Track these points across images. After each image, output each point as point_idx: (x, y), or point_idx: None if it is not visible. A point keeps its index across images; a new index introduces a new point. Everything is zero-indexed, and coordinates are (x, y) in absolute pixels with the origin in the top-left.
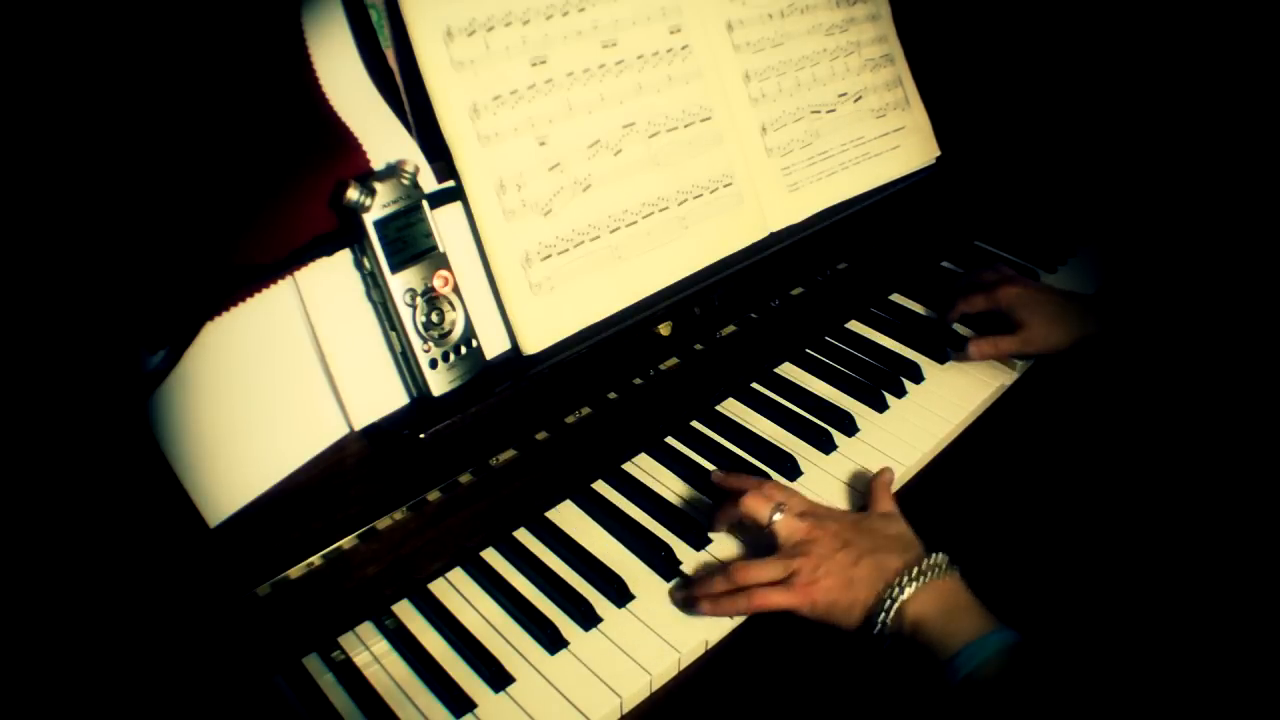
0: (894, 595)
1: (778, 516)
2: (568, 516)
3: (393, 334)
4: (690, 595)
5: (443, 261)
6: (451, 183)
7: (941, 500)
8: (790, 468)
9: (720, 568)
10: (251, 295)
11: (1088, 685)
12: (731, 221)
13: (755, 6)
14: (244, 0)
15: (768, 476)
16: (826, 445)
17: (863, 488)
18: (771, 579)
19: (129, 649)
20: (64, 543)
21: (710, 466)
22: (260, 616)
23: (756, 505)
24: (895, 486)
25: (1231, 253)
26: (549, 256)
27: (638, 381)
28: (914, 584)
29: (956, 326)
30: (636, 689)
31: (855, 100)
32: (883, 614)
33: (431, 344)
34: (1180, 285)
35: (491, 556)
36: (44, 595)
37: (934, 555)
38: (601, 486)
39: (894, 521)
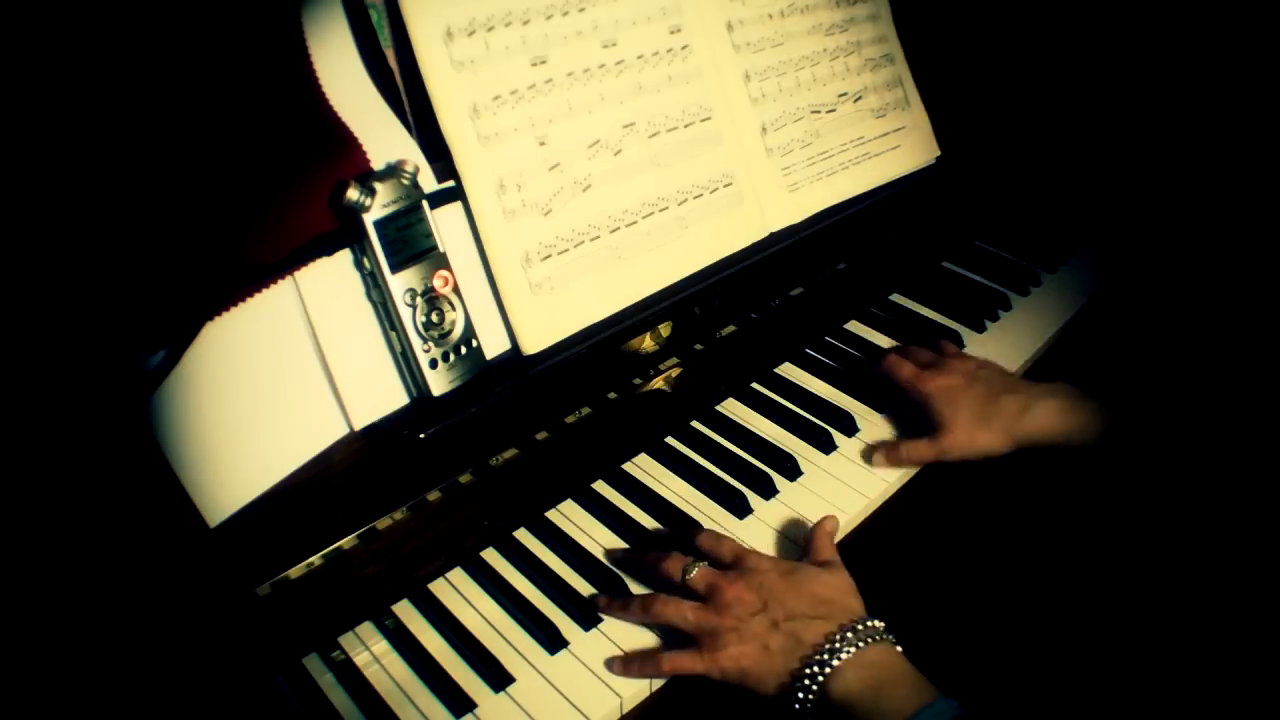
0: (815, 672)
1: (693, 572)
2: (568, 516)
3: (393, 334)
4: (609, 639)
5: (443, 261)
6: (451, 183)
7: (936, 508)
8: (790, 468)
9: (635, 600)
10: (251, 295)
11: None
12: (731, 221)
13: (755, 6)
14: (244, 0)
15: (768, 477)
16: (826, 445)
17: (863, 488)
18: (682, 622)
19: (130, 649)
20: (65, 543)
21: (710, 466)
22: (260, 616)
23: (670, 567)
24: (892, 491)
25: (1233, 255)
26: (549, 256)
27: (637, 381)
28: (843, 653)
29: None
30: (637, 689)
31: (855, 100)
32: (802, 691)
33: (431, 344)
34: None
35: (491, 556)
36: (45, 595)
37: (867, 622)
38: (601, 486)
39: (831, 575)
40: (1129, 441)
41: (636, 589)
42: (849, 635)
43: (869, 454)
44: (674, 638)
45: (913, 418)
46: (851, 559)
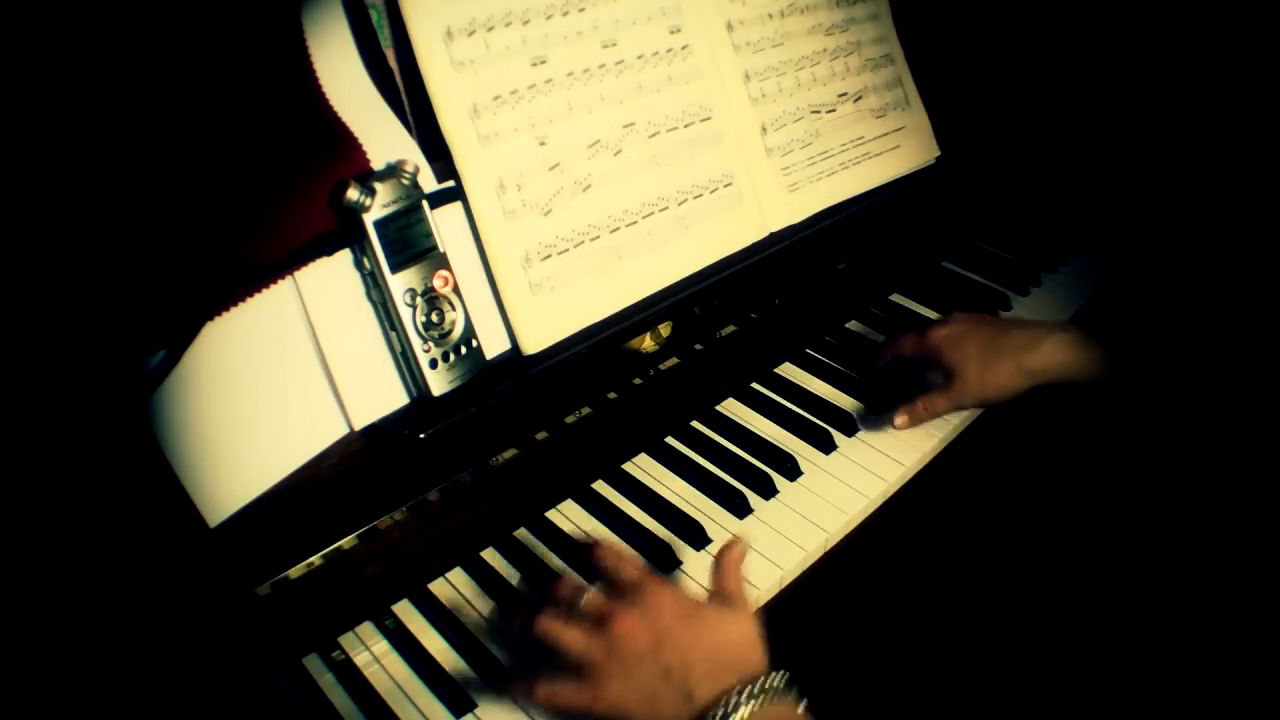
0: None
1: (586, 595)
2: (567, 516)
3: (393, 334)
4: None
5: (443, 261)
6: (451, 183)
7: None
8: (790, 468)
9: (517, 616)
10: (251, 295)
11: None
12: (731, 221)
13: (755, 6)
14: (244, 0)
15: (768, 477)
16: (826, 445)
17: (863, 488)
18: (565, 647)
19: (130, 649)
20: (65, 543)
21: (711, 466)
22: (260, 616)
23: (561, 589)
24: (892, 491)
25: (1233, 255)
26: (549, 256)
27: (637, 381)
28: (737, 713)
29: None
30: None
31: (855, 100)
32: None
33: (431, 344)
34: (1179, 304)
35: (491, 556)
36: (45, 595)
37: (768, 677)
38: (601, 486)
39: (733, 622)
40: (1136, 376)
41: None
42: (746, 693)
43: (891, 419)
44: None
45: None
46: (850, 563)
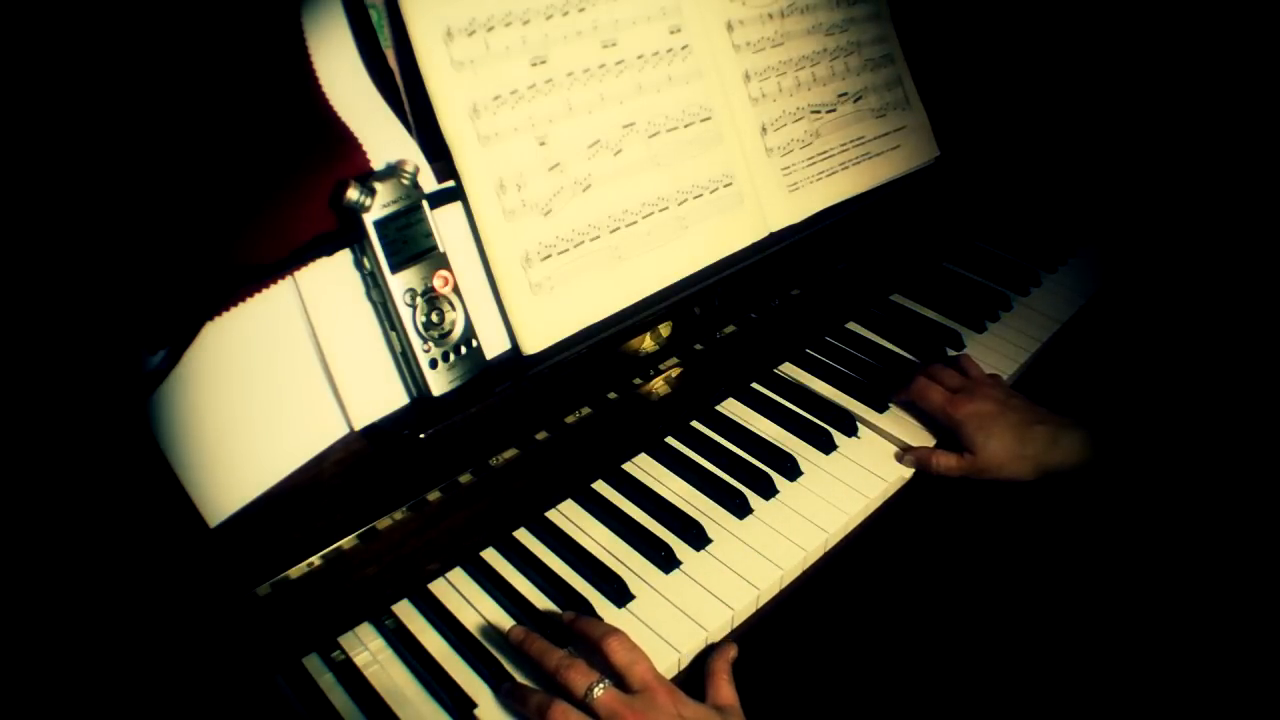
0: None
1: (598, 691)
2: (568, 516)
3: (393, 334)
4: None
5: (443, 261)
6: (451, 183)
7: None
8: (790, 468)
9: (533, 699)
10: (251, 295)
11: None
12: (731, 221)
13: (755, 6)
14: (244, 0)
15: (768, 477)
16: (826, 445)
17: (864, 489)
18: None
19: (130, 649)
20: (64, 543)
21: (711, 466)
22: (260, 616)
23: (574, 679)
24: (893, 491)
25: (1233, 255)
26: (549, 256)
27: (637, 382)
28: None
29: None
30: None
31: (855, 100)
32: None
33: (431, 344)
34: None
35: (491, 556)
36: (45, 595)
37: None
38: (601, 486)
39: None
40: (1144, 472)
41: (639, 589)
42: None
43: (897, 454)
44: None
45: (917, 421)
46: (846, 567)
